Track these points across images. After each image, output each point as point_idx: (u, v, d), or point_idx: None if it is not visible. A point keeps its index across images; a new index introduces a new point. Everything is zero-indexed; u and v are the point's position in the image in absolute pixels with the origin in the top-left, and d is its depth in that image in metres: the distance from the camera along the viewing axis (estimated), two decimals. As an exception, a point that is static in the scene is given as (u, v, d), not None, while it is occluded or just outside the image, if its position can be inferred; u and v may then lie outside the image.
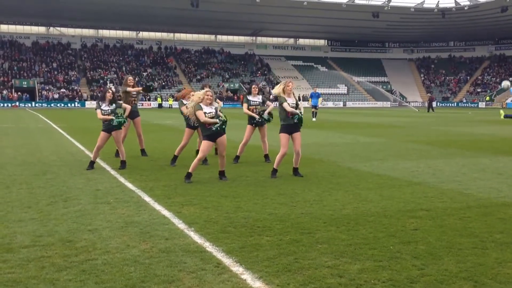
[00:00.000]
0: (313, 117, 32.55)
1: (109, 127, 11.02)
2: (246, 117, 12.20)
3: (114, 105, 11.09)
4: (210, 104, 9.47)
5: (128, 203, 7.61)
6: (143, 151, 13.48)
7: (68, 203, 7.61)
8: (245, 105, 12.05)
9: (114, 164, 11.61)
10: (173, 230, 6.10)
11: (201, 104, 9.38)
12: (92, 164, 11.11)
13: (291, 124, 9.93)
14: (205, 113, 9.31)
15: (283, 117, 9.99)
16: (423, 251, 5.30)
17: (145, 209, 7.19)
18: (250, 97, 12.07)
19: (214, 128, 9.28)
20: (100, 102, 11.06)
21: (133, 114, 12.92)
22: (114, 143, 11.50)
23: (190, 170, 9.51)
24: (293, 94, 10.32)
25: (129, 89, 12.88)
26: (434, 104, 59.84)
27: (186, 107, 9.90)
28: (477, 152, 14.49)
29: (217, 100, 11.95)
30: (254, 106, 12.08)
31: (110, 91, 11.17)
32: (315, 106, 33.30)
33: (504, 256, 5.18)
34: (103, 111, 10.98)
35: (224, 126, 9.38)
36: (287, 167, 10.71)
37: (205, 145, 9.49)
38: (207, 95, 9.44)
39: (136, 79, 63.79)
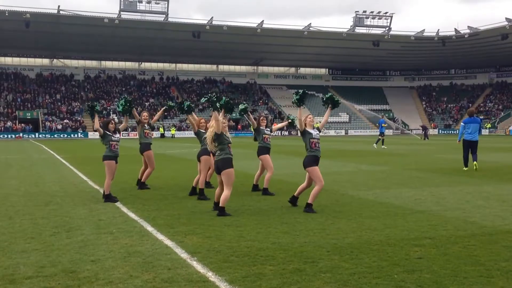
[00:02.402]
0: (382, 144, 32.88)
1: (116, 156, 11.01)
2: (256, 147, 12.15)
3: (118, 135, 11.18)
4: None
5: (131, 233, 7.59)
6: (139, 182, 13.32)
7: (71, 233, 7.59)
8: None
9: (117, 194, 11.56)
10: (175, 260, 6.08)
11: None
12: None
13: (317, 155, 9.72)
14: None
15: (308, 147, 9.74)
16: (428, 280, 5.26)
17: (148, 239, 7.17)
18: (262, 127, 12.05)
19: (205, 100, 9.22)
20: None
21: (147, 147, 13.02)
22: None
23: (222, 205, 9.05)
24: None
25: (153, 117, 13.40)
26: (429, 132, 60.38)
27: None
28: (480, 180, 14.45)
29: None
30: (267, 135, 11.96)
31: (113, 122, 11.22)
32: (382, 133, 33.96)
33: (510, 284, 5.14)
34: (113, 137, 10.97)
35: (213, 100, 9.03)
36: (288, 196, 10.67)
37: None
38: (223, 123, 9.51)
39: (139, 109, 64.39)
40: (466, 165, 17.29)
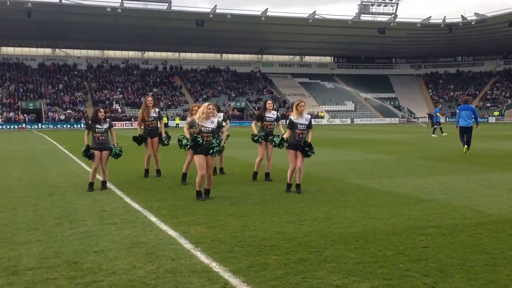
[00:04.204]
0: (442, 132, 32.97)
1: (101, 147, 10.98)
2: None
3: (107, 124, 11.08)
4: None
5: (134, 223, 7.55)
6: (158, 172, 13.29)
7: (74, 224, 7.56)
8: (255, 123, 12.18)
9: (120, 184, 11.55)
10: (179, 250, 6.04)
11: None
12: (92, 186, 10.99)
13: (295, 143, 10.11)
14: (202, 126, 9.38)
15: (292, 135, 10.18)
16: (434, 269, 5.21)
17: (151, 229, 7.13)
18: (266, 113, 11.97)
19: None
20: (91, 123, 10.99)
21: (153, 134, 13.12)
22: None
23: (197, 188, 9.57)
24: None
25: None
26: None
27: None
28: (487, 168, 14.36)
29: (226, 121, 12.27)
30: (269, 122, 11.97)
31: (102, 111, 11.13)
32: (437, 122, 34.49)
33: (517, 273, 5.08)
34: (97, 129, 10.91)
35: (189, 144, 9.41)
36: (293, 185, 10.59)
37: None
38: (209, 109, 9.52)
39: (142, 99, 64.34)
40: (464, 145, 18.92)
